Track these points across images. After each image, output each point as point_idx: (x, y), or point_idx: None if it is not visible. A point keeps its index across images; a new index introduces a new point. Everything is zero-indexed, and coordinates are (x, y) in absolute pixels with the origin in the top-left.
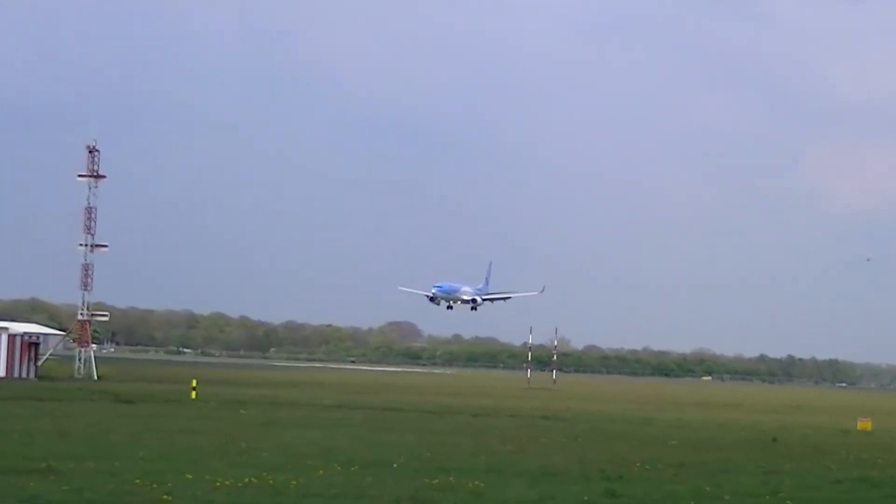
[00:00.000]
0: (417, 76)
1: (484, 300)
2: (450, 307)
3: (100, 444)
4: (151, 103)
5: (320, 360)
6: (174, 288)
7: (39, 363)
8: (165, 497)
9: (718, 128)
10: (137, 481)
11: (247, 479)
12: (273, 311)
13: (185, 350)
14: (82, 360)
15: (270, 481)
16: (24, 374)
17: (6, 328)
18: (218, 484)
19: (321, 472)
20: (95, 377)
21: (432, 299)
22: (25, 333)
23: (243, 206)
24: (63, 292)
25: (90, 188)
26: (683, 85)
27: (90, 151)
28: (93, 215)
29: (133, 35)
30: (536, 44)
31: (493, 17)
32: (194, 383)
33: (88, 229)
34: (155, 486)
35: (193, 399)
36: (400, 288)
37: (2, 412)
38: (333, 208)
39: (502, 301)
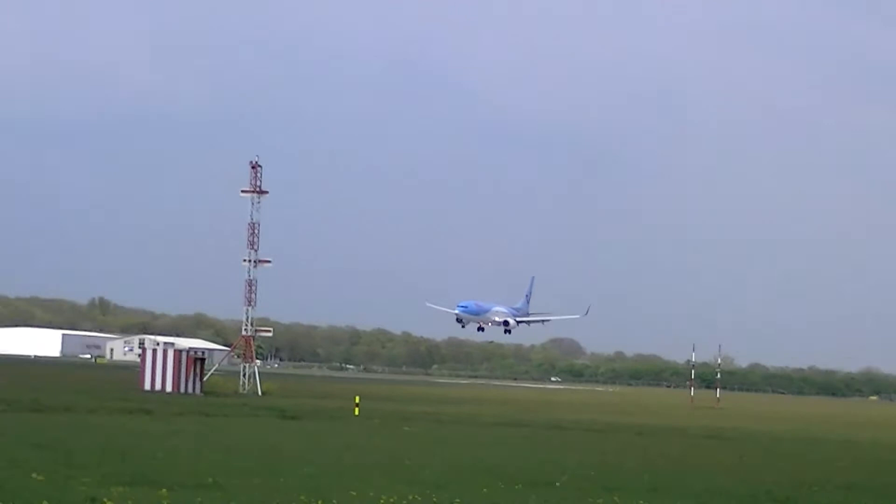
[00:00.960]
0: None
1: (519, 322)
2: (481, 329)
3: (265, 459)
4: (313, 120)
5: (483, 377)
6: (337, 304)
7: (205, 378)
8: None
9: None
10: (302, 497)
11: (410, 496)
12: (435, 327)
13: (348, 366)
14: (247, 376)
15: (434, 499)
16: (190, 390)
17: (172, 344)
18: (382, 501)
19: (485, 489)
20: (260, 393)
21: (459, 320)
22: (191, 349)
23: (404, 222)
24: (228, 308)
25: (253, 204)
26: None
27: (253, 167)
28: (256, 231)
29: (290, 54)
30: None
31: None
32: (357, 400)
33: (252, 245)
34: (320, 502)
35: (357, 415)
36: (427, 304)
37: (170, 428)
38: (497, 223)
39: (540, 324)
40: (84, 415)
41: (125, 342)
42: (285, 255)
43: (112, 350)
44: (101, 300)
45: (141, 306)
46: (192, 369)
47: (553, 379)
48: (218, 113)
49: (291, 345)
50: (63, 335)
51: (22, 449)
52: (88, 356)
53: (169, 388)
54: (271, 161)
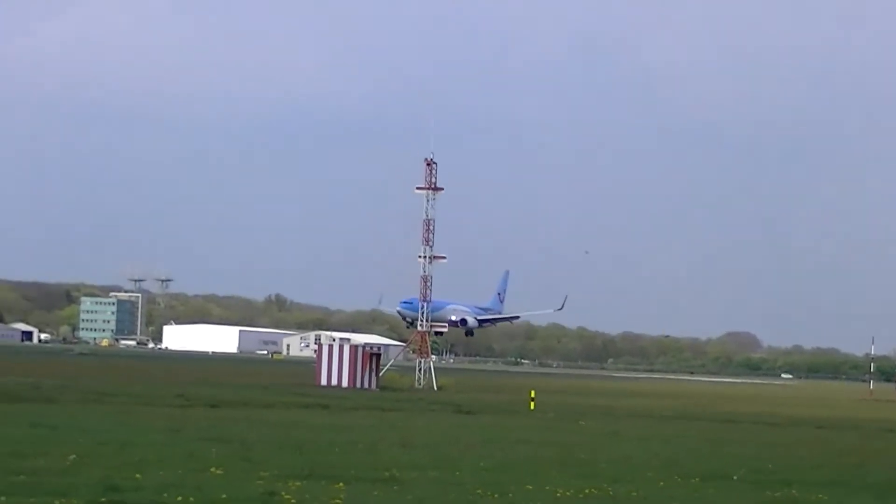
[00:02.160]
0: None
1: (483, 322)
2: (438, 333)
3: (441, 454)
4: (485, 116)
5: (658, 371)
6: (512, 299)
7: (381, 374)
8: None
9: None
10: (479, 491)
11: (587, 490)
12: (610, 321)
13: (523, 361)
14: (422, 371)
15: (610, 492)
16: (366, 385)
17: (348, 339)
18: (558, 495)
19: (661, 483)
20: (435, 388)
21: (404, 318)
22: (367, 344)
23: (577, 216)
24: None
25: (428, 200)
26: None
27: (428, 164)
28: (431, 227)
29: (463, 51)
30: None
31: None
32: (533, 394)
33: (427, 241)
34: (496, 496)
35: (532, 410)
36: (378, 307)
37: (347, 422)
38: (673, 220)
39: (508, 323)
40: (261, 410)
41: (301, 338)
42: (460, 251)
43: (288, 346)
44: (278, 297)
45: (317, 303)
46: (368, 365)
47: (784, 375)
48: (393, 110)
49: (466, 340)
50: (240, 332)
51: (201, 444)
52: (265, 352)
53: (345, 384)
54: (446, 158)
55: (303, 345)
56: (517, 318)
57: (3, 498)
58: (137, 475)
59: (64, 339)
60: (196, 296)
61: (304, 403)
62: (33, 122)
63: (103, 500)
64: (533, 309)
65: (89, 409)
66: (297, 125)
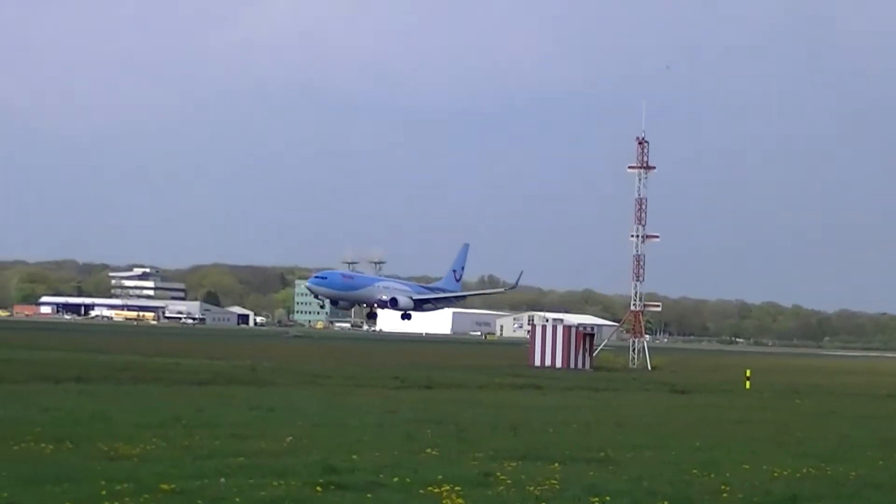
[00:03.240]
0: None
1: (423, 302)
2: (372, 315)
3: (656, 434)
4: (694, 92)
5: (876, 350)
6: (726, 277)
7: (594, 354)
8: (723, 486)
9: None
10: (695, 471)
11: (804, 470)
12: (827, 299)
13: (738, 339)
14: (636, 351)
15: (828, 471)
16: (580, 365)
17: (561, 320)
18: (775, 474)
19: (880, 462)
20: (649, 367)
21: (316, 296)
22: (580, 325)
23: (794, 194)
24: (615, 284)
25: (640, 179)
26: None
27: (640, 143)
28: (643, 206)
29: (670, 24)
30: None
31: None
32: (748, 373)
33: (639, 220)
34: (712, 475)
35: (748, 389)
36: (307, 284)
37: (561, 403)
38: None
39: (450, 302)
40: (475, 391)
41: (514, 319)
42: (673, 230)
43: (502, 327)
44: (491, 278)
45: (530, 283)
46: (582, 345)
47: None
48: (606, 89)
49: (679, 319)
50: (453, 313)
51: (416, 425)
52: (478, 333)
53: (559, 364)
54: (658, 136)
55: (516, 326)
56: (462, 297)
57: (222, 479)
58: (354, 456)
59: (279, 321)
60: (410, 278)
61: (518, 384)
62: (249, 111)
63: (321, 481)
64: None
65: (305, 392)
66: (507, 106)
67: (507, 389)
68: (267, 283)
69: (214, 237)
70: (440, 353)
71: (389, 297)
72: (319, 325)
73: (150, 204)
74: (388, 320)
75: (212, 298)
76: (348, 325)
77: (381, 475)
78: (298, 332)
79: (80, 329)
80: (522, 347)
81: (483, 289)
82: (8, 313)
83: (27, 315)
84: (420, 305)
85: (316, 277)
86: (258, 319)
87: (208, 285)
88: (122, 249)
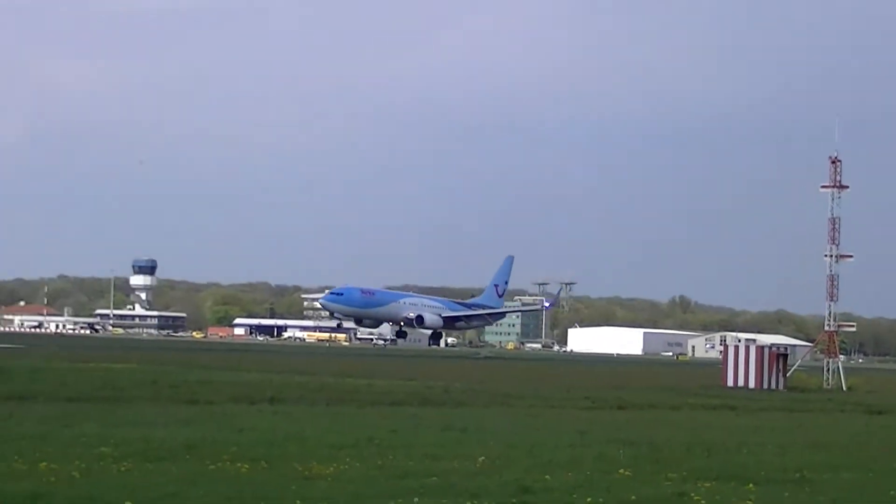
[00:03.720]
0: None
1: (454, 320)
2: (401, 333)
3: (854, 455)
4: (888, 107)
5: None
6: None
7: (788, 374)
8: None
9: None
10: (892, 492)
11: None
12: None
13: None
14: (830, 371)
15: None
16: (773, 386)
17: (754, 340)
18: None
19: None
20: (844, 388)
21: (332, 314)
22: (773, 345)
23: None
24: (808, 304)
25: (833, 199)
26: None
27: (833, 162)
28: (837, 226)
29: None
30: None
31: None
32: None
33: (833, 240)
34: None
35: None
36: (302, 297)
37: (755, 423)
38: None
39: (484, 322)
40: (668, 411)
41: (706, 339)
42: (868, 249)
43: (693, 347)
44: (682, 298)
45: (721, 304)
46: (775, 365)
47: None
48: (795, 108)
49: (875, 339)
50: (644, 334)
51: (609, 446)
52: (670, 354)
53: (752, 385)
54: (851, 156)
55: (708, 346)
56: (500, 314)
57: (416, 499)
58: (547, 476)
59: (470, 342)
60: (600, 298)
61: (712, 405)
62: (430, 131)
63: (514, 501)
64: None
65: (497, 412)
66: (688, 126)
67: (701, 410)
68: None
69: (403, 259)
70: (631, 374)
71: (416, 315)
72: (510, 345)
73: (341, 226)
74: (579, 341)
75: None
76: (539, 345)
77: (574, 495)
78: (489, 352)
79: (273, 350)
80: (715, 368)
81: (678, 310)
82: (203, 335)
83: (221, 337)
84: (451, 323)
85: (331, 294)
86: (449, 340)
87: None
88: (314, 271)
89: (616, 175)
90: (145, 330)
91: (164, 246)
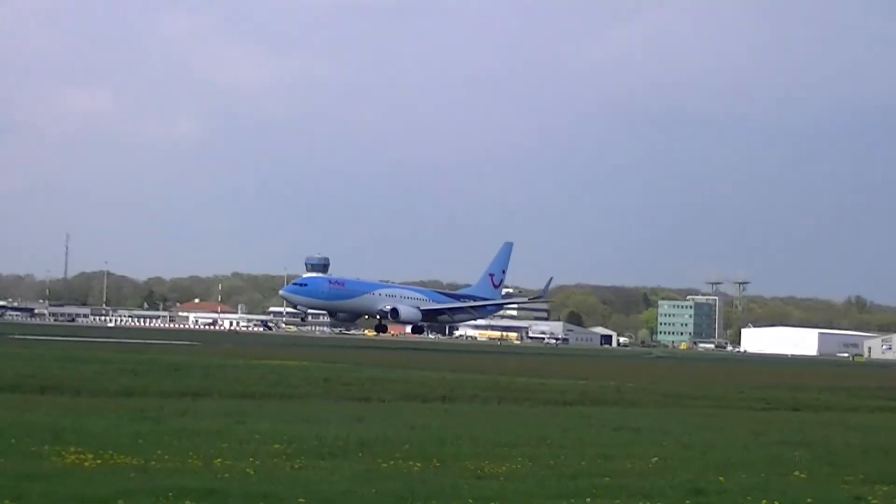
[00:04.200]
0: None
1: (436, 313)
2: (381, 328)
3: None
4: None
5: None
6: None
7: None
8: None
9: None
10: None
11: None
12: None
13: None
14: None
15: None
16: None
17: None
18: None
19: None
20: None
21: (294, 305)
22: None
23: None
24: None
25: None
26: None
27: None
28: None
29: None
30: None
31: None
32: None
33: None
34: None
35: None
36: (281, 293)
37: None
38: None
39: (482, 310)
40: (844, 413)
41: (883, 341)
42: None
43: (870, 349)
44: (858, 298)
45: None
46: None
47: None
48: None
49: None
50: (819, 334)
51: (784, 448)
52: (845, 355)
53: None
54: None
55: (885, 347)
56: (495, 307)
57: (588, 499)
58: (720, 478)
59: (642, 342)
60: (774, 298)
61: (890, 407)
62: (598, 125)
63: (687, 502)
64: None
65: (670, 412)
66: (847, 121)
67: (878, 412)
68: (630, 304)
69: (577, 258)
70: (806, 375)
71: (391, 308)
72: (683, 345)
73: (514, 225)
74: (752, 341)
75: (575, 319)
76: (711, 345)
77: (748, 497)
78: (662, 352)
79: (444, 349)
80: (892, 370)
81: (854, 310)
82: (375, 333)
83: (394, 335)
84: (432, 317)
85: (294, 284)
86: (621, 340)
87: (571, 305)
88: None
89: (791, 172)
90: (318, 327)
91: (336, 244)
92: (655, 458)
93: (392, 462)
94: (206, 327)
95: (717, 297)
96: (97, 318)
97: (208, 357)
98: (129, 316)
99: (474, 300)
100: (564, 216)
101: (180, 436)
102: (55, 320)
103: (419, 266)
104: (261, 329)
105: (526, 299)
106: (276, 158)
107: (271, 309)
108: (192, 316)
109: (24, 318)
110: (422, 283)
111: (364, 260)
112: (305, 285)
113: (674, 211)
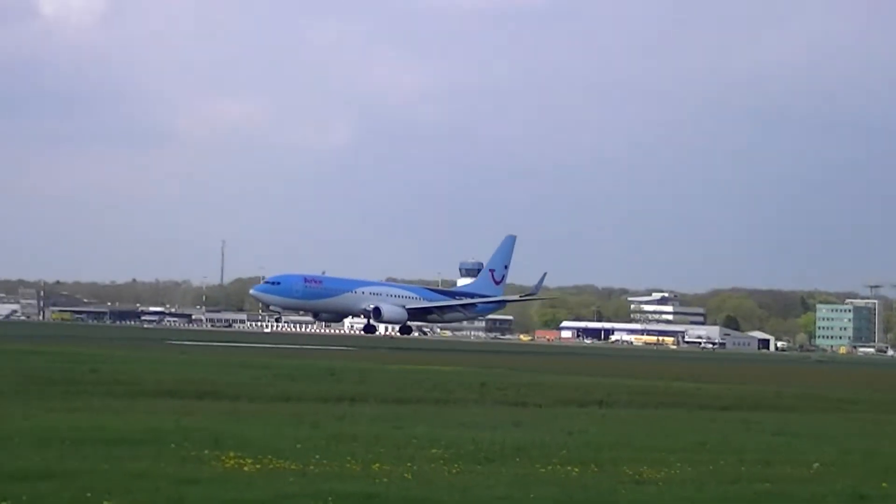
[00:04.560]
0: None
1: (427, 311)
2: (369, 328)
3: None
4: None
5: None
6: None
7: None
8: None
9: None
10: None
11: None
12: None
13: None
14: None
15: None
16: None
17: None
18: None
19: None
20: None
21: (267, 306)
22: None
23: None
24: None
25: None
26: None
27: None
28: None
29: None
30: None
31: None
32: None
33: None
34: None
35: None
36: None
37: None
38: None
39: (474, 308)
40: None
41: None
42: None
43: None
44: None
45: None
46: None
47: None
48: None
49: None
50: None
51: None
52: None
53: None
54: None
55: None
56: (499, 304)
57: None
58: (884, 484)
59: (801, 346)
60: None
61: None
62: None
63: None
64: None
65: (830, 417)
66: None
67: None
68: (787, 308)
69: (732, 261)
70: None
71: (373, 307)
72: (842, 349)
73: (668, 229)
74: None
75: (731, 323)
76: (872, 349)
77: None
78: (820, 356)
79: (600, 354)
80: None
81: None
82: (530, 338)
83: (548, 340)
84: (421, 315)
85: (266, 283)
86: (779, 344)
87: (727, 310)
88: (642, 274)
89: None
90: (473, 333)
91: (488, 249)
92: (817, 464)
93: (549, 467)
94: (361, 333)
95: (876, 301)
96: (253, 323)
97: (363, 362)
98: (285, 322)
99: (471, 298)
100: (717, 221)
101: (338, 440)
102: (212, 326)
103: (577, 267)
104: (416, 334)
105: (518, 297)
106: (427, 163)
107: None
108: (346, 321)
109: (181, 324)
110: (576, 288)
111: (522, 263)
112: (278, 284)
113: (832, 214)
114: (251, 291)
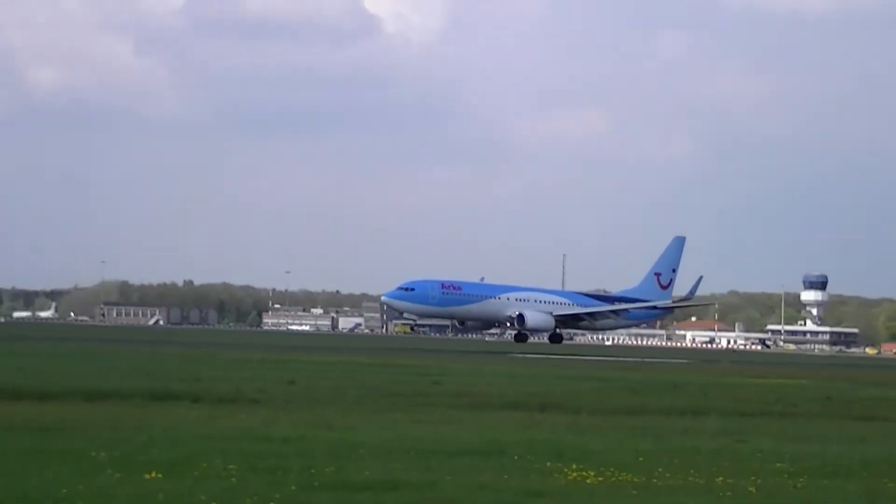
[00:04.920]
0: None
1: (578, 318)
2: (521, 336)
3: None
4: None
5: None
6: None
7: None
8: None
9: None
10: None
11: None
12: None
13: None
14: None
15: None
16: None
17: None
18: None
19: None
20: None
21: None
22: None
23: None
24: None
25: None
26: None
27: None
28: None
29: None
30: None
31: None
32: None
33: None
34: None
35: None
36: (383, 298)
37: None
38: None
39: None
40: None
41: None
42: None
43: None
44: None
45: None
46: None
47: None
48: None
49: None
50: None
51: None
52: None
53: None
54: None
55: None
56: (668, 310)
57: None
58: None
59: None
60: None
61: None
62: None
63: None
64: None
65: None
66: None
67: None
68: None
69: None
70: None
71: (517, 314)
72: None
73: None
74: None
75: None
76: None
77: None
78: None
79: None
80: None
81: None
82: (876, 351)
83: (895, 353)
84: (572, 322)
85: (399, 289)
86: None
87: None
88: None
89: None
90: (816, 346)
91: (835, 260)
92: None
93: None
94: (703, 345)
95: None
96: (589, 336)
97: (705, 375)
98: (626, 334)
99: (632, 302)
100: None
101: (681, 454)
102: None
103: None
104: (758, 347)
105: (671, 303)
106: (771, 174)
107: (769, 327)
108: (688, 334)
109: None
110: None
111: (864, 275)
112: (413, 290)
113: None
114: (383, 297)
